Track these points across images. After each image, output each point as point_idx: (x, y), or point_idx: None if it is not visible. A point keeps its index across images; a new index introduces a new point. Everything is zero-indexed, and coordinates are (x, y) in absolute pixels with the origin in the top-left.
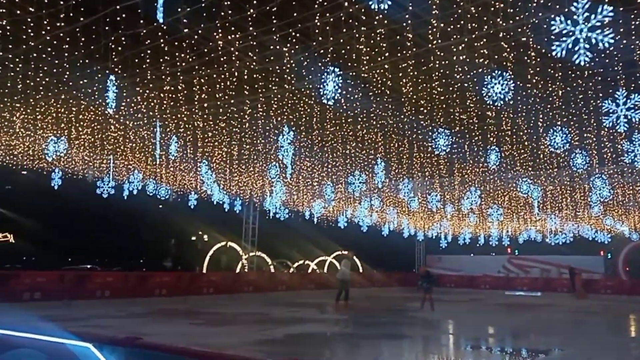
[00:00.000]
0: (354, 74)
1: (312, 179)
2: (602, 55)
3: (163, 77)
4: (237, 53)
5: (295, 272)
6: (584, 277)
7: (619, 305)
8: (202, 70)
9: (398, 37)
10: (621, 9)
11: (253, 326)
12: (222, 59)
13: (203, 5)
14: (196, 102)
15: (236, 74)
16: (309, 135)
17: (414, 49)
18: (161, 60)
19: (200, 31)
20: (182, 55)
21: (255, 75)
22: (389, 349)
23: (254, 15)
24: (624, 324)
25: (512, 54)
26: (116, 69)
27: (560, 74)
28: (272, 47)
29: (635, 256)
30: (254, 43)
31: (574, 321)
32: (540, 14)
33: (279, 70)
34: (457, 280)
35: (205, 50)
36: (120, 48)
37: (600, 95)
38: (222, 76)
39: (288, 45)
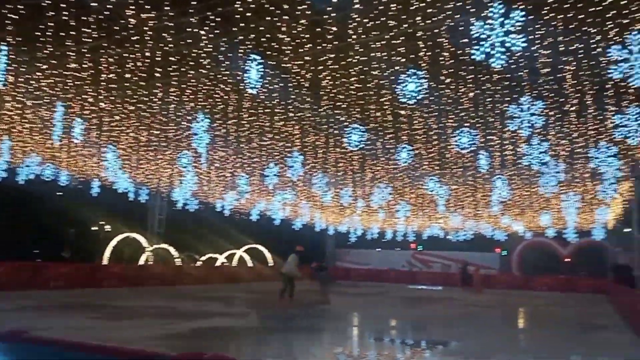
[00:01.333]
0: (274, 63)
1: (226, 170)
2: (511, 61)
3: (67, 53)
4: (150, 33)
5: (203, 265)
6: (482, 273)
7: (511, 299)
8: (111, 49)
9: (320, 29)
10: (529, 17)
11: (156, 320)
12: (133, 39)
13: None
14: (103, 83)
15: (148, 55)
16: (224, 124)
17: (335, 43)
18: (65, 35)
19: (110, 6)
20: (89, 31)
21: (169, 58)
22: (296, 341)
23: None
24: (515, 317)
25: (427, 54)
26: (11, 41)
27: (471, 76)
28: (188, 29)
29: (528, 254)
30: (170, 24)
31: (470, 314)
32: (457, 16)
33: (195, 55)
34: (364, 274)
35: (116, 28)
36: (17, 17)
37: (507, 99)
38: (133, 56)
39: (206, 28)
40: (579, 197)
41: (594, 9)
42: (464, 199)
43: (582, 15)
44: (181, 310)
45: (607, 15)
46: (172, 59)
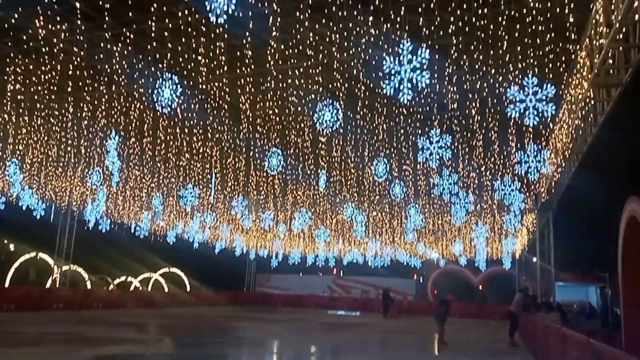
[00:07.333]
0: (191, 83)
1: (141, 189)
2: (421, 96)
3: None
4: (61, 45)
5: (115, 289)
6: (398, 299)
7: (425, 325)
8: (18, 59)
9: (238, 53)
10: (436, 56)
11: (59, 347)
12: (43, 50)
13: None
14: (9, 94)
15: (59, 68)
16: (139, 142)
17: (253, 67)
18: None
19: (16, 15)
20: None
21: (80, 72)
22: None
23: (81, 8)
24: (429, 343)
25: (344, 86)
26: None
27: (385, 109)
28: (102, 44)
29: (441, 280)
30: (81, 38)
31: (386, 340)
32: (370, 51)
33: (109, 70)
34: (284, 299)
35: (24, 37)
36: None
37: (418, 132)
38: (42, 68)
39: (120, 45)
40: (488, 227)
41: (493, 52)
42: (381, 225)
43: (485, 57)
44: (88, 336)
45: (506, 59)
46: (85, 73)
